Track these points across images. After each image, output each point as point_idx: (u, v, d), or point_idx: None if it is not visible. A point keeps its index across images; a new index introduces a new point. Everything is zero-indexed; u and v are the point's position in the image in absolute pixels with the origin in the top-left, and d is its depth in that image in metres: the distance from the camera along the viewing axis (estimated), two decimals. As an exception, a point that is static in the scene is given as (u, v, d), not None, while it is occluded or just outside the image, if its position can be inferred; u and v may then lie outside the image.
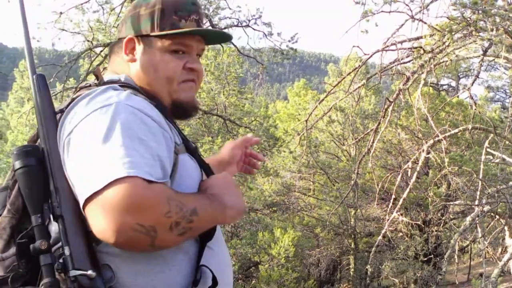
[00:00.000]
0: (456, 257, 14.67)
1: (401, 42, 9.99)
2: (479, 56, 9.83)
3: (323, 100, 13.26)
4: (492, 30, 8.44)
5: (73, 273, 1.87)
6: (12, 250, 2.08)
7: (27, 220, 2.06)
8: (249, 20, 15.03)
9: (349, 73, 12.33)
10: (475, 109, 11.01)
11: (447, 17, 9.03)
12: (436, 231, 20.42)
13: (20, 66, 41.05)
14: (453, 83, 31.29)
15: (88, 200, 1.84)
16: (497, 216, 12.91)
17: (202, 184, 2.26)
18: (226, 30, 14.84)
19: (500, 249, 19.17)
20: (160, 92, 2.44)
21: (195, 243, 2.20)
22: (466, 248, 24.30)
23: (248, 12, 25.72)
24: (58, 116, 2.17)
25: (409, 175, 15.68)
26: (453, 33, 8.81)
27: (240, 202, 2.27)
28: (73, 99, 2.20)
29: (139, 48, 2.45)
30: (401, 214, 14.43)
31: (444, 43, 9.14)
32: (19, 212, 2.11)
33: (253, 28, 15.04)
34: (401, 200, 12.45)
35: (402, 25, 9.69)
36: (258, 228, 19.75)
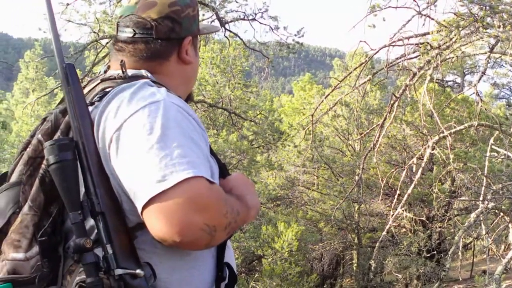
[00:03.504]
0: (459, 253, 14.63)
1: (408, 38, 9.96)
2: (486, 53, 9.81)
3: (329, 94, 13.25)
4: (499, 26, 8.43)
5: (118, 271, 1.85)
6: (35, 249, 2.02)
7: (45, 217, 2.04)
8: (256, 14, 15.02)
9: (355, 68, 12.30)
10: (481, 106, 11.00)
11: (454, 13, 9.02)
12: (439, 227, 20.43)
13: (25, 57, 41.07)
14: (458, 80, 31.30)
15: (152, 200, 1.83)
16: (502, 213, 12.90)
17: (223, 184, 2.25)
18: (232, 24, 14.88)
19: (503, 246, 19.19)
20: (189, 90, 2.62)
21: None
22: (469, 245, 24.29)
23: (255, 5, 25.71)
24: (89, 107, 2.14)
25: (413, 171, 15.69)
26: (460, 29, 8.79)
27: (258, 201, 2.33)
28: (105, 92, 2.19)
29: (191, 49, 2.51)
30: (405, 210, 14.43)
31: (451, 39, 9.12)
32: (40, 209, 2.05)
33: (259, 22, 15.03)
34: (405, 196, 12.44)
35: (409, 20, 9.64)
36: (261, 222, 19.75)
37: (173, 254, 2.08)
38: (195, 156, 1.92)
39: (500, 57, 10.55)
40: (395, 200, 13.35)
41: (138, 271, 1.86)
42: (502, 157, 12.11)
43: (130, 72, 2.31)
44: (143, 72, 2.35)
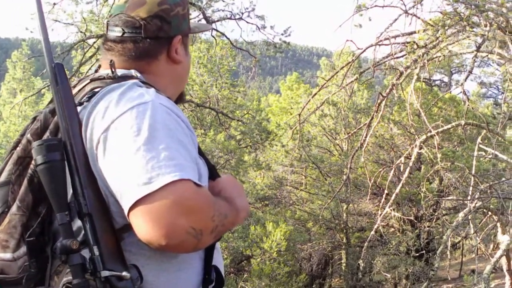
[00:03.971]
0: (448, 253, 14.69)
1: (395, 37, 9.96)
2: (472, 52, 9.81)
3: (316, 94, 13.25)
4: (485, 25, 8.42)
5: (104, 273, 1.83)
6: (23, 249, 2.03)
7: (34, 217, 2.03)
8: (242, 13, 15.02)
9: (342, 67, 12.30)
10: (468, 105, 10.99)
11: (441, 12, 9.01)
12: (428, 226, 20.50)
13: (12, 57, 40.99)
14: (446, 79, 31.43)
15: (138, 202, 1.83)
16: (490, 212, 12.91)
17: (212, 186, 2.25)
18: (219, 23, 14.87)
19: (492, 246, 19.22)
20: (180, 91, 2.60)
21: None
22: (458, 244, 24.39)
23: (242, 4, 25.73)
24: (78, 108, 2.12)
25: (401, 170, 15.69)
26: (446, 28, 8.79)
27: (247, 203, 2.32)
28: (94, 92, 2.17)
29: (181, 48, 2.48)
30: (393, 209, 14.46)
31: (437, 38, 9.12)
32: (29, 209, 2.05)
33: (246, 21, 15.02)
34: (393, 195, 12.45)
35: (396, 19, 9.65)
36: (250, 222, 19.75)
37: (160, 256, 2.06)
38: (183, 159, 1.91)
39: (487, 56, 10.55)
40: (383, 200, 13.35)
41: (124, 273, 1.85)
42: (490, 156, 12.12)
43: (119, 72, 2.30)
44: (133, 72, 2.33)
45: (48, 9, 14.28)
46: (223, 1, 14.91)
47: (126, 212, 1.87)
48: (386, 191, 12.80)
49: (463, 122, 11.80)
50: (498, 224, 12.60)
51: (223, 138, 20.58)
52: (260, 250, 18.48)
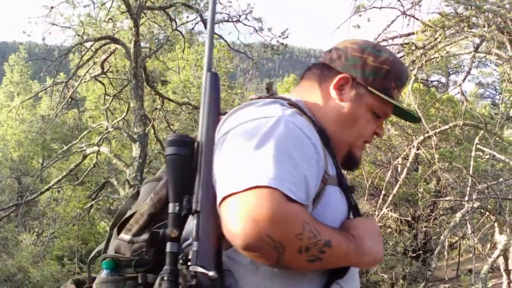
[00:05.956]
0: (445, 253, 14.65)
1: (393, 38, 10.00)
2: (471, 53, 9.84)
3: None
4: (484, 26, 8.45)
5: (193, 268, 1.88)
6: (144, 236, 2.16)
7: (167, 211, 2.07)
8: (240, 15, 15.10)
9: (340, 69, 12.32)
10: (466, 106, 11.02)
11: (439, 13, 9.04)
12: (425, 227, 20.47)
13: (10, 60, 40.86)
14: (443, 79, 31.45)
15: (225, 198, 1.88)
16: (487, 213, 12.93)
17: (345, 222, 2.21)
18: (216, 25, 14.85)
19: (489, 245, 19.22)
20: (342, 138, 2.44)
21: (323, 275, 2.15)
22: (455, 244, 24.37)
23: (239, 7, 25.75)
24: (221, 117, 2.23)
25: (398, 171, 15.68)
26: (445, 29, 8.82)
27: (379, 251, 2.21)
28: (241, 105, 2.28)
29: (350, 91, 2.43)
30: (391, 210, 14.44)
31: (435, 39, 9.15)
32: (161, 202, 2.19)
33: (243, 23, 15.10)
34: (390, 196, 12.44)
35: (394, 21, 9.67)
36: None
37: (262, 272, 2.04)
38: (283, 171, 1.91)
39: (485, 56, 10.60)
40: (380, 200, 13.36)
41: (211, 273, 1.88)
42: (487, 156, 12.15)
43: (282, 95, 2.45)
44: (293, 98, 2.42)
45: (45, 13, 14.33)
46: (221, 4, 14.93)
47: (218, 208, 1.94)
48: (383, 192, 12.77)
49: (460, 123, 11.81)
50: (496, 224, 12.62)
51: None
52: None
